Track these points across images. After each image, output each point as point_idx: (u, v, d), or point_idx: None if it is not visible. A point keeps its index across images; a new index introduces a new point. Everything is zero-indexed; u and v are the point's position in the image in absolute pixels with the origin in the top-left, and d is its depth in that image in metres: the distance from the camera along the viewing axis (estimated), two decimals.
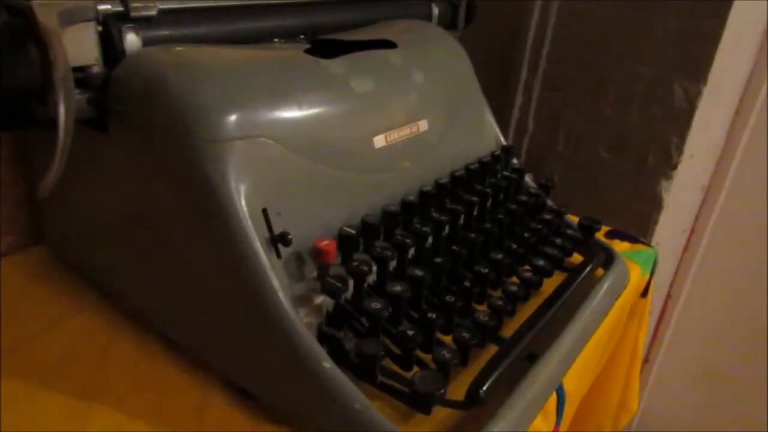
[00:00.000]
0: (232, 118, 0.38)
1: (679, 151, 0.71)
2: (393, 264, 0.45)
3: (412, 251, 0.47)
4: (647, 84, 0.72)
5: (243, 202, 0.37)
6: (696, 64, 0.67)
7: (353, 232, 0.43)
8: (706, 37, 0.65)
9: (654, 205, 0.74)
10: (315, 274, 0.41)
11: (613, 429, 0.73)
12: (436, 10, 0.68)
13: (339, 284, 0.39)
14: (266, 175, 0.39)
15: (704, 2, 0.65)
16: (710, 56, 0.66)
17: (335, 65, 0.47)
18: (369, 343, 0.38)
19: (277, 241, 0.38)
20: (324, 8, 0.56)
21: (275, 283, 0.37)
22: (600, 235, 0.60)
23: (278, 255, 0.39)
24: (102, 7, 0.40)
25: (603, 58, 0.74)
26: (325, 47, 0.49)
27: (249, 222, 0.37)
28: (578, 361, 0.48)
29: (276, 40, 0.51)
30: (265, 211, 0.38)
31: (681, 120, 0.69)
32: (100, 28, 0.40)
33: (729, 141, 0.91)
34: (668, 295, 1.07)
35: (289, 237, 0.38)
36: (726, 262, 1.01)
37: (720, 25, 0.64)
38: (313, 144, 0.43)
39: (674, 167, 0.72)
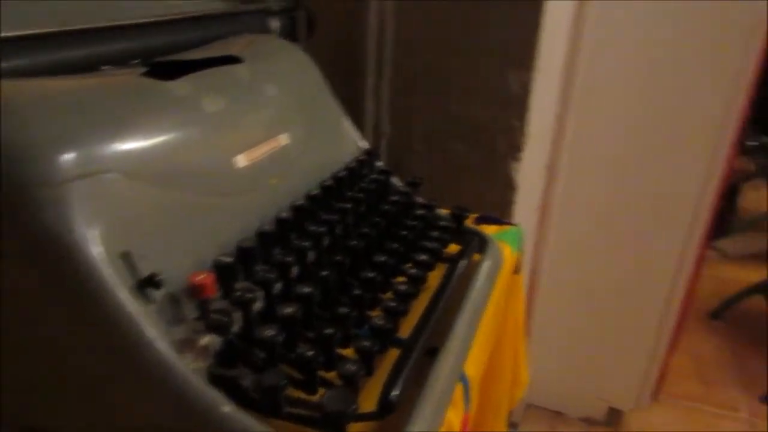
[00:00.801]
0: (68, 155, 0.34)
1: (522, 134, 0.76)
2: (278, 286, 0.43)
3: (295, 269, 0.45)
4: (485, 75, 0.76)
5: (96, 249, 0.33)
6: (524, 52, 0.72)
7: (229, 260, 0.40)
8: (528, 25, 0.71)
9: (508, 187, 0.79)
10: (196, 313, 0.38)
11: (511, 404, 0.76)
12: (275, 24, 0.67)
13: (224, 318, 0.36)
14: (119, 214, 0.35)
15: None
16: (534, 43, 0.72)
17: (180, 86, 0.44)
18: (268, 375, 0.35)
19: (146, 285, 0.34)
20: (157, 29, 0.52)
21: (150, 332, 0.33)
22: (470, 223, 0.62)
23: (149, 300, 0.34)
24: None
25: (443, 56, 0.78)
26: (165, 69, 0.45)
27: (107, 270, 0.33)
28: (474, 346, 0.49)
29: (105, 67, 0.46)
30: (125, 255, 0.34)
31: (519, 106, 0.75)
32: None
33: (560, 120, 1.01)
34: (533, 270, 1.15)
35: (159, 278, 0.34)
36: (576, 232, 1.12)
37: (538, 13, 0.70)
38: (169, 173, 0.39)
39: (520, 150, 0.77)
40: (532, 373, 1.22)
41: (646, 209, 1.09)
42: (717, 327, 1.65)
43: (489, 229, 0.66)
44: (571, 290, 1.18)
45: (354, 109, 0.86)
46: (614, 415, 1.29)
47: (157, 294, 0.35)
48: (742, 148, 1.81)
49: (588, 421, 1.30)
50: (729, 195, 1.96)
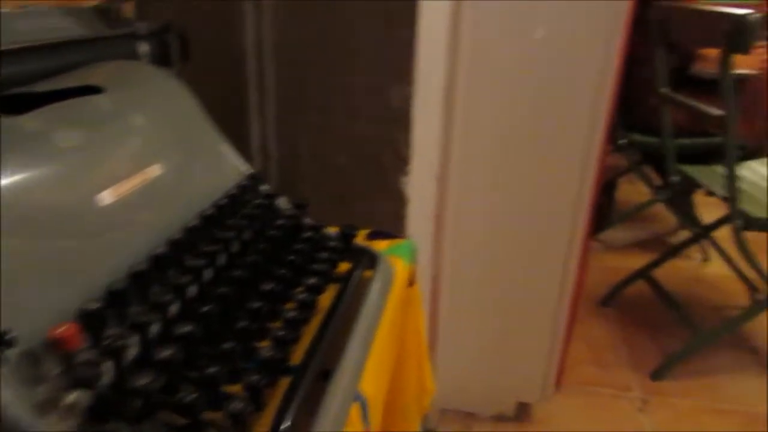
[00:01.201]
0: None
1: (407, 147, 0.78)
2: (156, 328, 0.40)
3: (174, 307, 0.43)
4: (367, 91, 0.77)
5: None
6: (402, 67, 0.74)
7: (96, 306, 0.37)
8: (404, 42, 0.72)
9: (399, 201, 0.80)
10: (59, 369, 0.34)
11: (419, 413, 0.77)
12: (144, 48, 0.64)
13: (90, 371, 0.33)
14: None
15: (396, 11, 0.73)
16: (412, 58, 0.74)
17: (29, 121, 0.40)
18: (146, 426, 0.33)
19: None
20: (6, 59, 0.48)
21: (4, 397, 0.30)
22: (361, 240, 0.62)
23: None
24: None
25: (324, 74, 0.78)
26: (12, 103, 0.42)
27: None
28: (370, 364, 0.49)
29: None
30: None
31: (402, 120, 0.76)
32: None
33: (446, 131, 1.05)
34: (435, 277, 1.18)
35: (10, 336, 0.31)
36: (471, 238, 1.16)
37: (412, 29, 0.72)
38: (18, 218, 0.36)
39: (407, 163, 0.79)
40: (443, 377, 1.25)
41: (532, 210, 1.15)
42: (607, 313, 1.77)
43: (381, 245, 0.67)
44: (472, 293, 1.22)
45: (240, 131, 0.84)
46: (523, 409, 1.34)
47: (10, 353, 0.32)
48: (614, 147, 1.97)
49: (499, 417, 1.35)
50: (607, 190, 2.12)
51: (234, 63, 0.82)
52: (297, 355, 0.44)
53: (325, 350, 0.44)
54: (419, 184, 0.85)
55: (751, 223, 1.32)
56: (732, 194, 1.32)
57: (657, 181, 1.97)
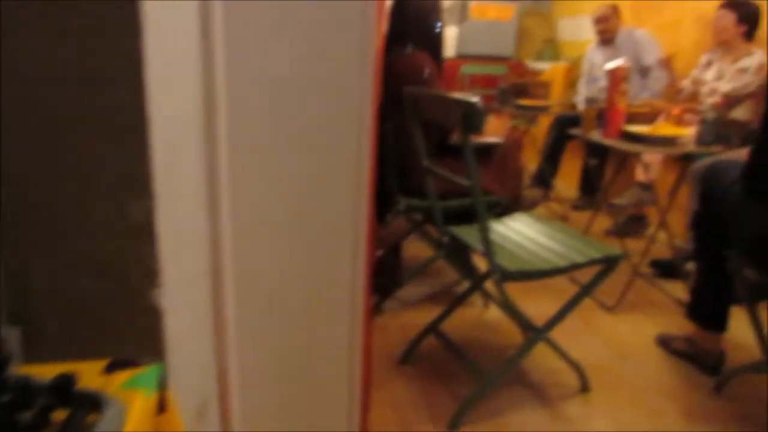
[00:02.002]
0: None
1: (156, 260, 0.75)
2: None
3: None
4: (105, 207, 0.73)
5: None
6: (139, 180, 0.72)
7: None
8: (135, 156, 0.71)
9: (155, 315, 0.76)
10: None
11: None
12: None
13: None
14: None
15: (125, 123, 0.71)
16: (148, 173, 0.72)
17: None
18: None
19: None
20: None
21: None
22: (99, 373, 0.58)
23: None
24: None
25: (59, 189, 0.72)
26: None
27: None
28: None
29: None
30: None
31: (146, 233, 0.74)
32: None
33: (213, 223, 1.03)
34: (222, 370, 1.13)
35: None
36: (257, 326, 1.14)
37: (143, 142, 0.71)
38: None
39: (157, 276, 0.75)
40: None
41: (312, 289, 1.18)
42: (407, 371, 1.87)
43: (120, 377, 0.62)
44: (264, 375, 1.20)
45: None
46: None
47: None
48: (396, 211, 2.13)
49: None
50: (394, 253, 2.27)
51: None
52: None
53: None
54: (177, 291, 0.82)
55: (507, 276, 1.51)
56: (488, 250, 1.50)
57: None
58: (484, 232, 1.48)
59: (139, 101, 0.71)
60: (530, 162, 3.88)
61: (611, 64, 2.18)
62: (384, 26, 1.27)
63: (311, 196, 1.14)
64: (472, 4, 4.76)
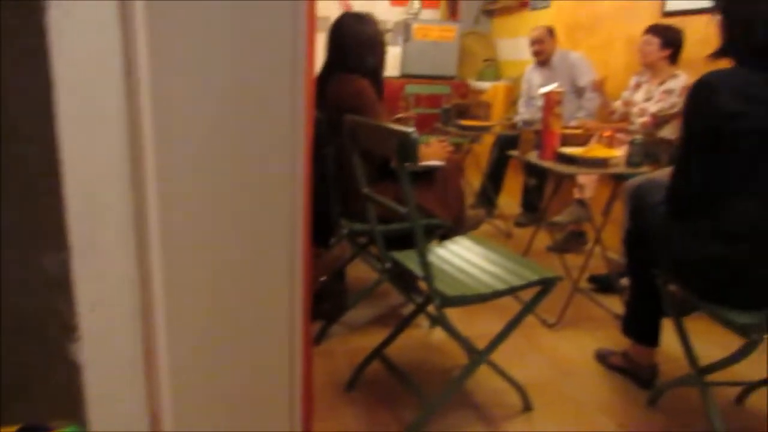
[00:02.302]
0: None
1: (73, 314, 0.72)
2: None
3: None
4: (20, 260, 0.70)
5: None
6: (54, 233, 0.70)
7: None
8: (48, 208, 0.69)
9: (73, 373, 0.74)
10: None
11: None
12: None
13: None
14: None
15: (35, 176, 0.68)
16: (63, 224, 0.70)
17: None
18: None
19: None
20: None
21: None
22: None
23: None
24: None
25: None
26: None
27: None
28: None
29: None
30: None
31: (62, 287, 0.71)
32: None
33: (142, 266, 1.01)
34: (154, 418, 1.10)
35: None
36: (191, 371, 1.11)
37: (58, 194, 0.69)
38: None
39: (75, 330, 0.73)
40: None
41: (247, 323, 1.17)
42: (354, 398, 1.86)
43: None
44: (201, 419, 1.17)
45: None
46: None
47: None
48: (339, 237, 2.13)
49: None
50: (338, 278, 2.27)
51: None
52: None
53: None
54: (94, 344, 0.79)
55: (447, 302, 1.53)
56: (427, 276, 1.52)
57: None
58: (423, 257, 1.50)
59: (50, 152, 0.68)
60: (474, 180, 3.97)
61: (546, 89, 2.27)
62: (316, 52, 1.28)
63: (245, 232, 1.13)
64: (415, 26, 4.86)
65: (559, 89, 2.25)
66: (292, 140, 1.13)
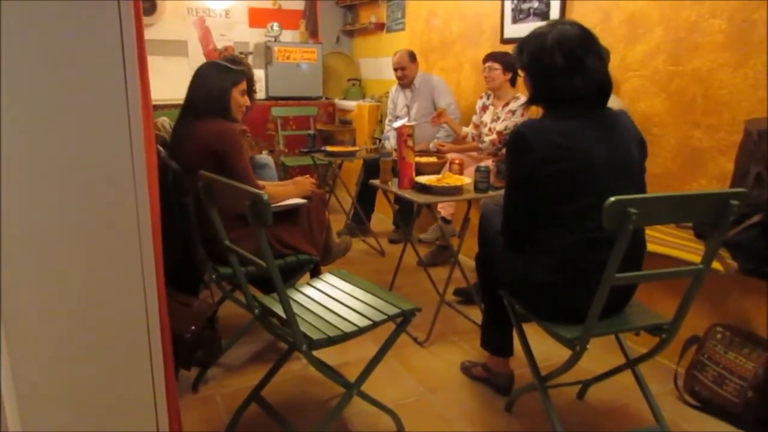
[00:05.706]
0: None
1: None
2: None
3: None
4: None
5: None
6: None
7: None
8: None
9: None
10: None
11: None
12: None
13: None
14: None
15: None
16: None
17: None
18: None
19: None
20: None
21: None
22: None
23: None
24: None
25: None
26: None
27: None
28: None
29: None
30: None
31: None
32: None
33: None
34: None
35: None
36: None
37: None
38: None
39: None
40: None
41: (107, 396, 1.16)
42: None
43: None
44: None
45: None
46: None
47: None
48: (208, 282, 2.11)
49: None
50: (209, 323, 2.25)
51: None
52: None
53: None
54: None
55: (313, 345, 1.60)
56: (291, 323, 1.57)
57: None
58: (286, 305, 1.54)
59: None
60: (346, 203, 4.08)
61: (397, 124, 2.42)
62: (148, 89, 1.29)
63: (94, 302, 1.14)
64: (276, 48, 4.88)
65: (410, 124, 2.41)
66: (136, 196, 1.16)
